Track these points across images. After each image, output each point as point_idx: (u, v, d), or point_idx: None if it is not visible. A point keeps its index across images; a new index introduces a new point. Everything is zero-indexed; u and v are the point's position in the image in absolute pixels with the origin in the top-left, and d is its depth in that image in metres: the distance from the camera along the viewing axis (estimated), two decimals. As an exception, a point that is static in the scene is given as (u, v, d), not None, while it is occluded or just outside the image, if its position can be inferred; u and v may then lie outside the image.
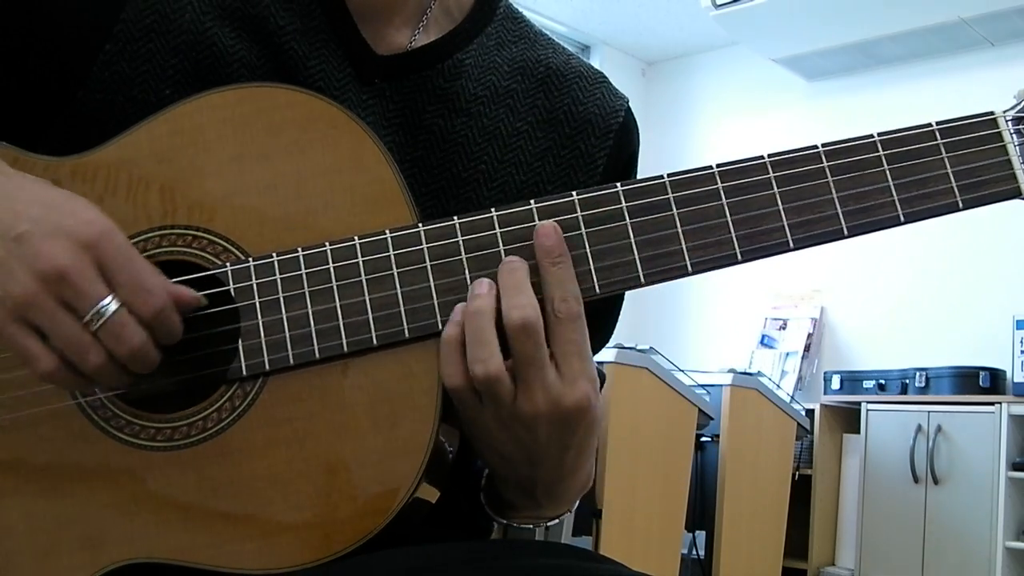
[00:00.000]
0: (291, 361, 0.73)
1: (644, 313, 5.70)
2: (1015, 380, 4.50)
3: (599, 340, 0.96)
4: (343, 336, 0.73)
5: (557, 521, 0.82)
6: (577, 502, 0.82)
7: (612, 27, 5.88)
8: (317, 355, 0.73)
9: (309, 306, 0.73)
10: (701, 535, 3.88)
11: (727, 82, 5.98)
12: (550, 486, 0.77)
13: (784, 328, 5.48)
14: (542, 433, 0.72)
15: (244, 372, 0.73)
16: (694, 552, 3.86)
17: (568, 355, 0.71)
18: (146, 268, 0.69)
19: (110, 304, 0.67)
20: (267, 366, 0.73)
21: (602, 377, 0.93)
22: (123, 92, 0.80)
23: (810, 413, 4.74)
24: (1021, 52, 4.87)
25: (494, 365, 0.69)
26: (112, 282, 0.67)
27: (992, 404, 4.44)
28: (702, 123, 6.06)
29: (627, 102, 0.95)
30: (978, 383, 4.56)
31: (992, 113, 0.76)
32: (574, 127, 0.90)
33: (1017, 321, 4.53)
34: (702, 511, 3.82)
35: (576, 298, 0.72)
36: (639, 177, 0.76)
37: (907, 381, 4.77)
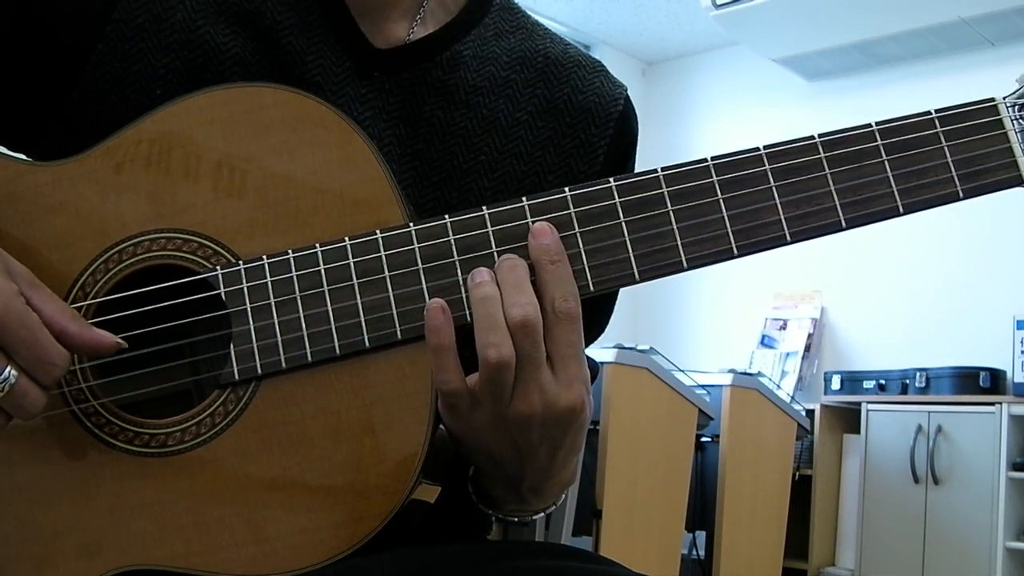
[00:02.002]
0: (283, 365, 0.72)
1: (644, 313, 5.70)
2: (1015, 380, 4.50)
3: (594, 334, 0.95)
4: (335, 339, 0.72)
5: (542, 515, 0.82)
6: (563, 496, 0.82)
7: (612, 27, 5.88)
8: (310, 358, 0.72)
9: (300, 309, 0.73)
10: (701, 535, 3.88)
11: (727, 82, 5.97)
12: (537, 483, 0.76)
13: (784, 328, 5.47)
14: (535, 434, 0.71)
15: (236, 377, 0.72)
16: (694, 552, 3.86)
17: (565, 357, 0.70)
18: (44, 338, 0.67)
19: (8, 378, 0.66)
20: (259, 370, 0.72)
21: (596, 368, 0.93)
22: (115, 92, 0.80)
23: (810, 413, 4.74)
24: (1021, 52, 4.86)
25: (507, 348, 0.68)
26: (12, 354, 0.67)
27: (992, 404, 4.43)
28: (702, 123, 6.05)
29: (625, 90, 0.94)
30: (978, 383, 4.55)
31: (992, 100, 0.75)
32: (574, 116, 0.90)
33: (1017, 321, 4.52)
34: (702, 511, 3.82)
35: (575, 297, 0.71)
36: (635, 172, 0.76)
37: (907, 381, 4.76)
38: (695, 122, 6.09)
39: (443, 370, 0.70)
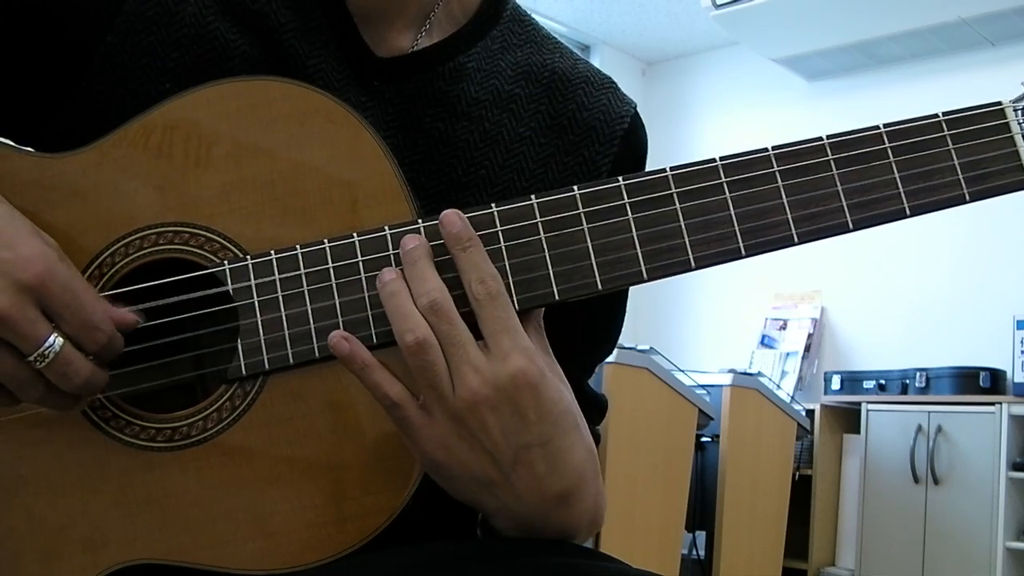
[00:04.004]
0: (291, 360, 0.72)
1: (644, 313, 5.70)
2: (1015, 380, 4.50)
3: (602, 351, 0.94)
4: None
5: None
6: (591, 532, 0.78)
7: (612, 27, 5.88)
8: (317, 353, 0.72)
9: (308, 304, 0.73)
10: (701, 535, 3.88)
11: (727, 82, 5.97)
12: (543, 511, 0.72)
13: (784, 328, 5.47)
14: (492, 424, 0.68)
15: (244, 371, 0.72)
16: (694, 552, 3.86)
17: (495, 333, 0.69)
18: (90, 302, 0.68)
19: (54, 344, 0.66)
20: (267, 365, 0.72)
21: (604, 404, 0.91)
22: (124, 84, 0.80)
23: (810, 413, 4.74)
24: (1021, 52, 4.87)
25: (422, 329, 0.68)
26: (56, 319, 0.67)
27: (992, 404, 4.43)
28: (702, 123, 6.06)
29: (634, 107, 0.93)
30: (978, 383, 4.56)
31: (999, 103, 0.75)
32: (578, 133, 0.89)
33: (1017, 321, 4.53)
34: (702, 511, 3.82)
35: (492, 277, 0.70)
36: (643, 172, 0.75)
37: (907, 381, 4.77)
38: (695, 122, 6.09)
39: (378, 386, 0.69)
